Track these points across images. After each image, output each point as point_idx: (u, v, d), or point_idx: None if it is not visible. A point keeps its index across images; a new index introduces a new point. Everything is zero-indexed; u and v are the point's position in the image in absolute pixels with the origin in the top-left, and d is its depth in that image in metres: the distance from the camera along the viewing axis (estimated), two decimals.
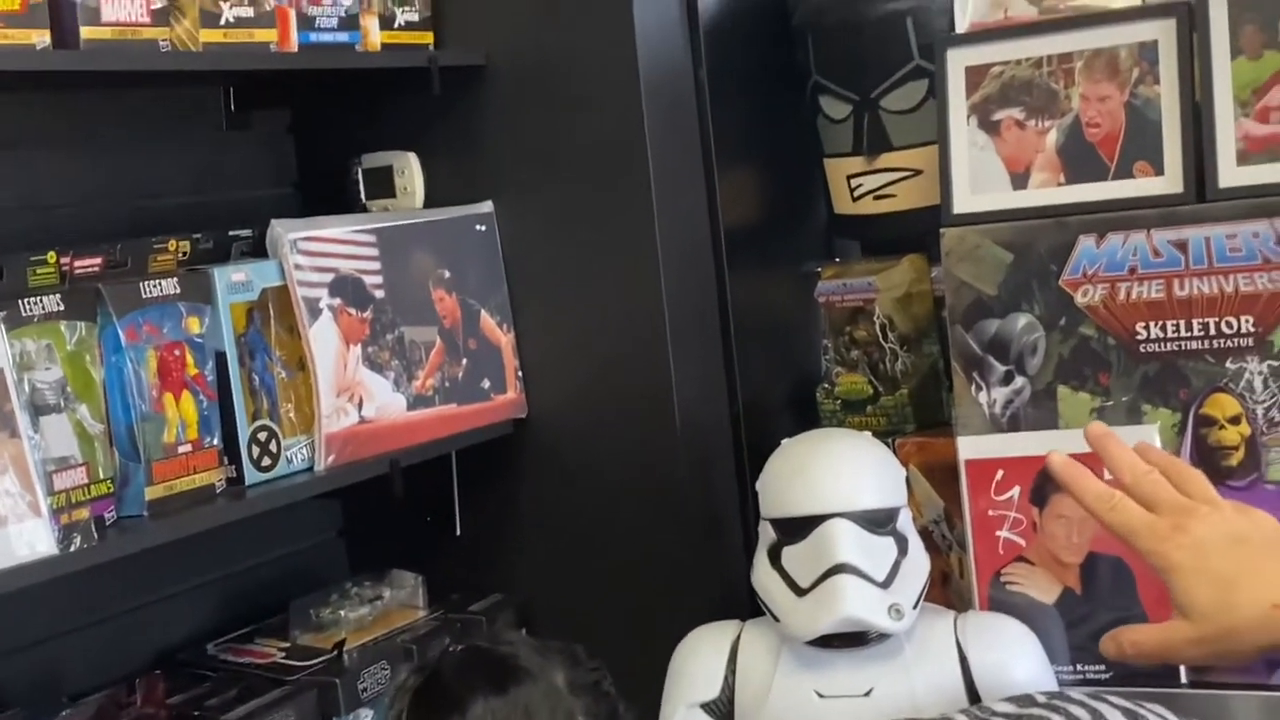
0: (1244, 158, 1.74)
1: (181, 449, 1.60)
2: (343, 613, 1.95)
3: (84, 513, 1.48)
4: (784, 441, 1.78)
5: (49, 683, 1.74)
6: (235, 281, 1.70)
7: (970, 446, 1.83)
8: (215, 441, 1.65)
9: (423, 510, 2.05)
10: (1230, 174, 1.73)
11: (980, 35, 1.89)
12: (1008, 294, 1.83)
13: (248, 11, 1.71)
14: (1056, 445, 1.76)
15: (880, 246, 2.20)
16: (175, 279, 1.65)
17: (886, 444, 1.84)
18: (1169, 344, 1.76)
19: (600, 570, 1.96)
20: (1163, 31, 1.78)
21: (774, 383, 2.16)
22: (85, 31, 1.51)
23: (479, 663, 1.19)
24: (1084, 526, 1.77)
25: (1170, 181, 1.77)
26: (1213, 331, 1.74)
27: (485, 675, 1.15)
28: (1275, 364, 1.71)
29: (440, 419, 1.90)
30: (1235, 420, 1.73)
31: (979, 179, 1.87)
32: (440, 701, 1.14)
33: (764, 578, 1.71)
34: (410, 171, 2.03)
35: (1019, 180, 1.85)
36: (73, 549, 1.45)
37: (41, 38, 1.47)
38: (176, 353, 1.62)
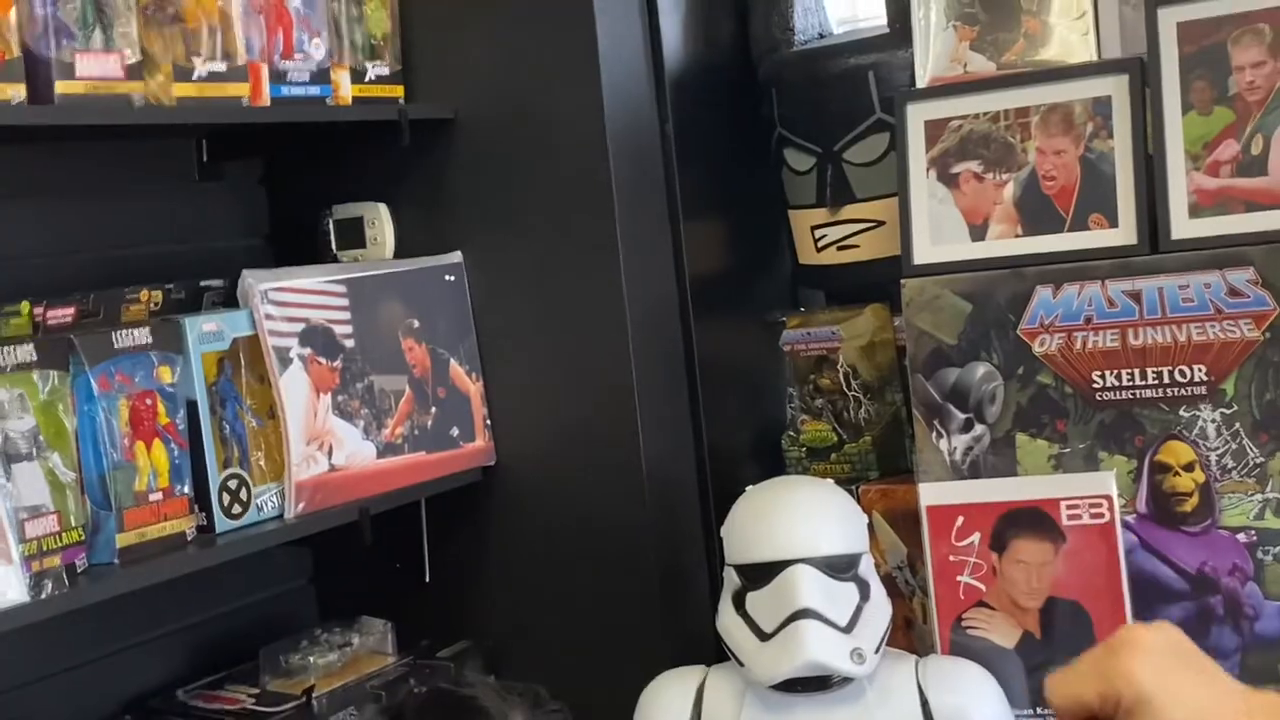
0: (1195, 210, 1.76)
1: (153, 497, 1.60)
2: (312, 659, 1.93)
3: (55, 560, 1.48)
4: (748, 489, 1.79)
5: None
6: (207, 331, 1.70)
7: (931, 493, 1.84)
8: (186, 489, 1.65)
9: (393, 557, 2.04)
10: (1182, 226, 1.76)
11: (939, 90, 1.92)
12: (967, 343, 1.85)
13: (220, 66, 1.72)
14: (1014, 492, 1.82)
15: (844, 296, 2.21)
16: (147, 329, 1.65)
17: (850, 491, 1.85)
18: (1124, 392, 1.78)
19: (567, 616, 1.96)
20: (1116, 87, 1.81)
21: (740, 430, 2.17)
22: (60, 86, 1.52)
23: (441, 705, 1.19)
24: (1042, 572, 1.79)
25: (1124, 233, 1.79)
26: (1166, 380, 1.75)
27: (446, 717, 1.14)
28: (1227, 412, 1.73)
29: (409, 467, 1.90)
30: (1189, 467, 1.75)
31: (939, 230, 1.89)
32: None
33: (728, 623, 1.71)
34: (380, 222, 2.03)
35: (977, 232, 1.88)
36: (44, 596, 1.45)
37: (16, 92, 1.47)
38: (148, 401, 1.62)
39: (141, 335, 1.64)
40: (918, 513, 1.86)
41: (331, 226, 2.06)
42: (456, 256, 2.02)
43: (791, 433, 2.18)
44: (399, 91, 2.00)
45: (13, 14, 1.48)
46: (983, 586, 1.82)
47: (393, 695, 1.80)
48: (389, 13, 1.99)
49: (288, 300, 1.78)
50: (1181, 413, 1.75)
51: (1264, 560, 1.72)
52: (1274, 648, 1.72)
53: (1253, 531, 1.73)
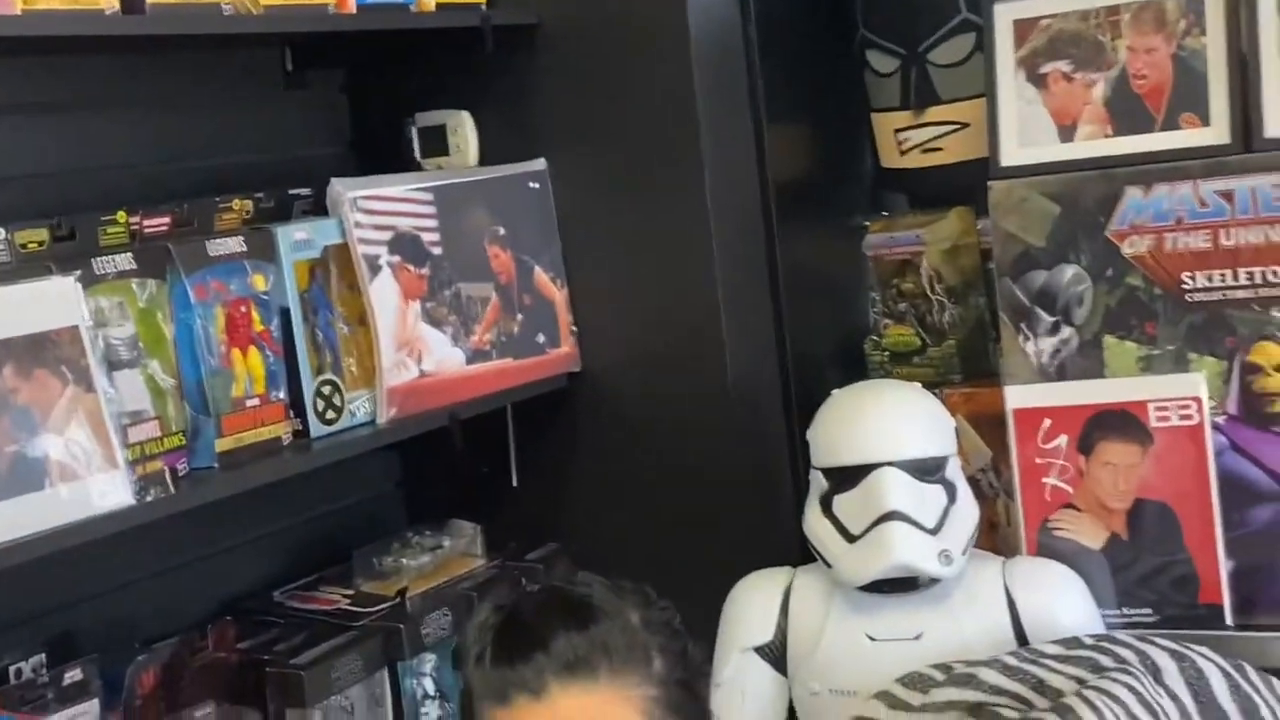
0: None
1: (249, 403, 1.63)
2: (404, 561, 1.96)
3: (158, 464, 1.51)
4: (834, 392, 1.80)
5: (123, 629, 1.75)
6: (298, 240, 1.72)
7: (1018, 396, 1.85)
8: (282, 395, 1.67)
9: (480, 461, 2.05)
10: (1277, 124, 1.73)
11: None
12: (1055, 245, 1.84)
13: None
14: (1102, 395, 1.82)
15: (927, 200, 2.20)
16: (240, 237, 1.67)
17: (934, 395, 1.85)
18: (1215, 293, 1.77)
19: (653, 520, 1.97)
20: None
21: (823, 335, 2.15)
22: None
23: (557, 601, 1.20)
24: (1130, 474, 1.80)
25: (1217, 132, 1.78)
26: (1259, 280, 1.74)
27: (564, 613, 1.16)
28: None
29: (497, 372, 1.91)
30: None
31: (1026, 132, 1.88)
32: (522, 638, 1.14)
33: (815, 525, 1.74)
34: (464, 130, 2.02)
35: (1066, 133, 1.86)
36: (148, 499, 1.48)
37: (110, 3, 1.49)
38: (243, 309, 1.64)
39: (235, 244, 1.66)
40: (1003, 416, 1.87)
41: (415, 134, 2.06)
42: (540, 164, 2.02)
43: (875, 337, 2.18)
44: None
45: None
46: (1069, 489, 1.83)
47: (485, 598, 1.82)
48: None
49: (376, 208, 1.79)
50: (1274, 313, 1.74)
51: None
52: None
53: None
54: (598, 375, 2.04)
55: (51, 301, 1.44)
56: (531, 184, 2.00)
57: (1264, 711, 1.58)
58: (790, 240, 2.07)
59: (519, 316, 1.95)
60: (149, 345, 1.55)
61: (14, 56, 1.65)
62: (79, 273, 1.48)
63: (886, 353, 2.17)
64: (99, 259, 1.53)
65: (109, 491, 1.43)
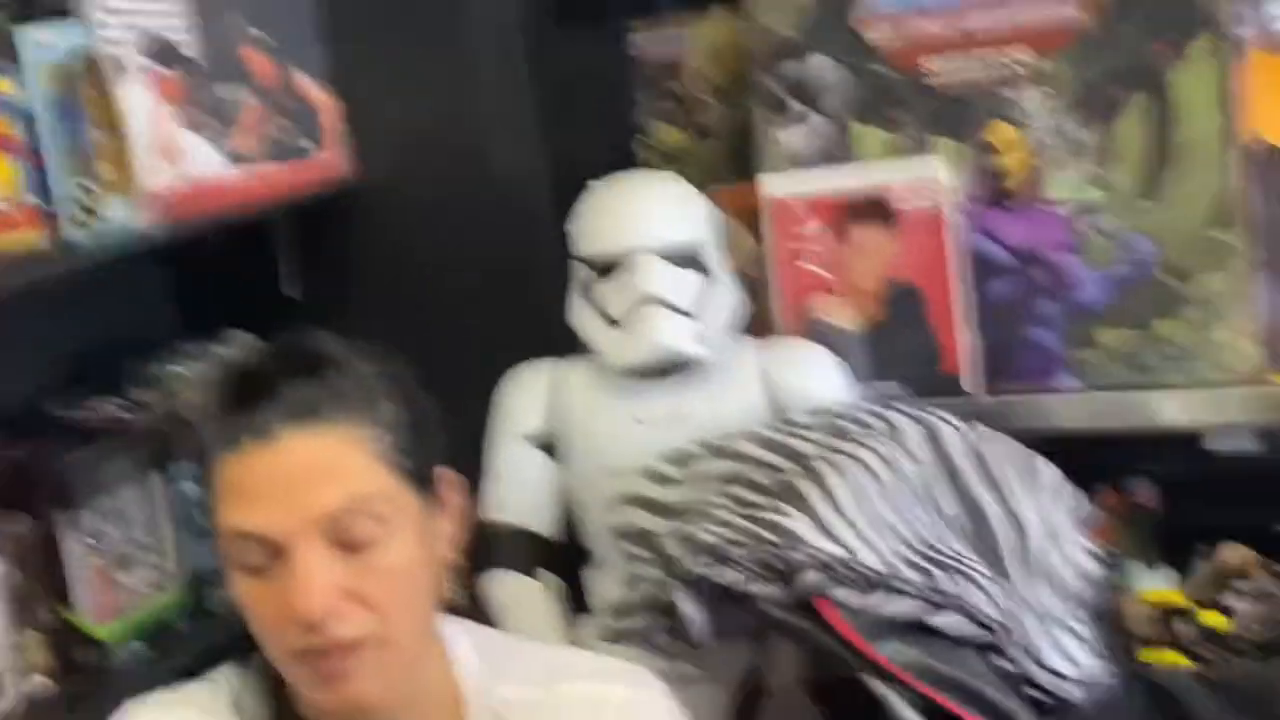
0: None
1: (4, 206, 1.58)
2: (178, 369, 1.95)
3: None
4: (592, 184, 1.82)
5: None
6: (42, 42, 1.66)
7: (773, 185, 1.89)
8: (34, 200, 1.63)
9: (257, 274, 2.05)
10: None
11: None
12: (805, 35, 1.87)
13: None
14: (851, 181, 1.86)
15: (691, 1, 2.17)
16: None
17: (705, 191, 1.86)
18: (953, 77, 1.82)
19: (430, 323, 1.97)
20: None
21: (593, 137, 2.15)
22: None
23: (287, 353, 1.17)
24: (880, 257, 1.85)
25: None
26: (991, 63, 1.79)
27: (293, 363, 1.13)
28: (1050, 90, 1.78)
29: (262, 179, 1.88)
30: (1014, 147, 1.80)
31: None
32: (251, 386, 1.11)
33: (579, 313, 1.78)
34: None
35: None
36: None
37: None
38: None
39: None
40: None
41: None
42: None
43: (643, 138, 2.19)
44: None
45: None
46: (826, 274, 1.88)
47: None
48: None
49: (123, 7, 1.73)
50: (1005, 93, 1.80)
51: (1084, 232, 1.79)
52: (1092, 316, 1.81)
53: (1072, 206, 1.80)
54: (373, 184, 2.03)
55: None
56: None
57: (990, 461, 1.66)
58: (556, 44, 2.07)
59: (282, 121, 1.92)
60: None
61: None
62: None
63: (656, 152, 2.17)
64: None
65: None
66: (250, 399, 1.09)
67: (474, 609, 1.70)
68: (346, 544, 1.08)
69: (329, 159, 1.98)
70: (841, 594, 1.50)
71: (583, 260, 1.78)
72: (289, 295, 2.06)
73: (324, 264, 2.06)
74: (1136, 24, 1.74)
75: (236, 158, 1.86)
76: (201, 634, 1.82)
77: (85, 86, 1.71)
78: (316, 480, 1.08)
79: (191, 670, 1.24)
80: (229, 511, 1.09)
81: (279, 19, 1.93)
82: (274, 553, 1.07)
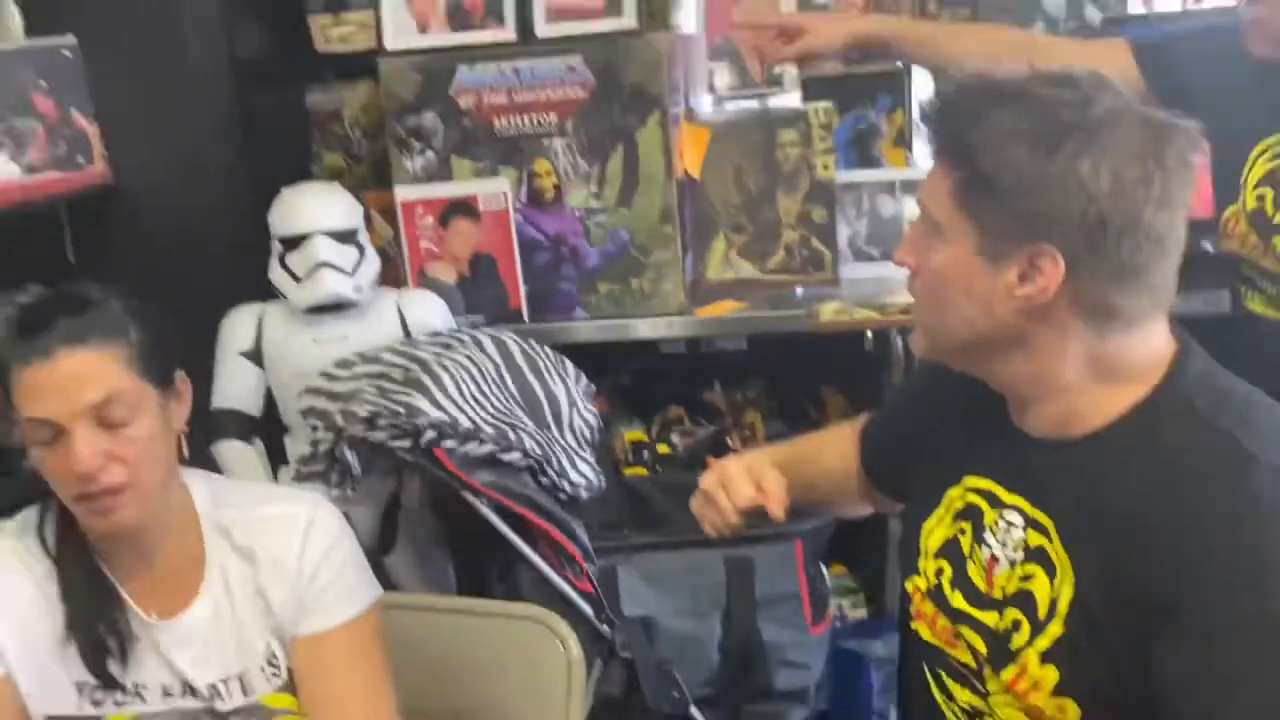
0: (551, 17, 1.83)
1: None
2: None
3: None
4: (283, 190, 1.79)
5: None
6: None
7: (403, 193, 1.91)
8: None
9: (49, 248, 1.87)
10: (543, 29, 1.84)
11: None
12: (420, 99, 1.88)
13: None
14: (452, 191, 1.87)
15: (348, 72, 2.10)
16: None
17: (359, 197, 1.84)
18: (511, 129, 1.87)
19: (169, 284, 1.69)
20: None
21: (282, 158, 2.08)
22: None
23: (63, 296, 1.10)
24: (469, 239, 1.89)
25: (509, 32, 1.85)
26: (534, 124, 1.85)
27: (66, 302, 1.07)
28: (568, 141, 1.85)
29: (48, 181, 1.75)
30: (548, 174, 1.86)
31: (400, 29, 1.88)
32: (36, 318, 1.05)
33: (276, 274, 1.75)
34: (8, 13, 1.79)
35: (423, 29, 1.88)
36: None
37: None
38: None
39: None
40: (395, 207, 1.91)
41: None
42: (71, 39, 1.80)
43: (315, 165, 2.14)
44: None
45: None
46: (436, 249, 1.91)
47: None
48: None
49: None
50: (544, 142, 1.86)
51: (588, 226, 1.88)
52: (594, 275, 1.89)
53: (581, 210, 1.89)
54: (129, 185, 1.88)
55: None
56: (65, 53, 1.80)
57: (540, 363, 1.74)
58: (255, 97, 1.99)
59: (62, 144, 1.78)
60: None
61: None
62: None
63: (326, 171, 2.12)
64: None
65: None
66: (35, 328, 1.04)
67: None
68: (107, 423, 1.04)
69: (96, 170, 1.85)
70: (449, 444, 1.54)
71: (278, 239, 1.75)
72: (70, 261, 1.90)
73: (94, 239, 1.91)
74: (618, 104, 1.83)
75: (30, 168, 1.73)
76: (11, 489, 1.70)
77: None
78: (83, 383, 1.03)
79: (3, 514, 1.19)
80: (25, 405, 1.04)
81: (57, 73, 1.79)
82: (58, 432, 1.03)
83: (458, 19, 1.87)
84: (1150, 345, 0.88)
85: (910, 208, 1.93)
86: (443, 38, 1.87)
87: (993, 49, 1.33)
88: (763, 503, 1.06)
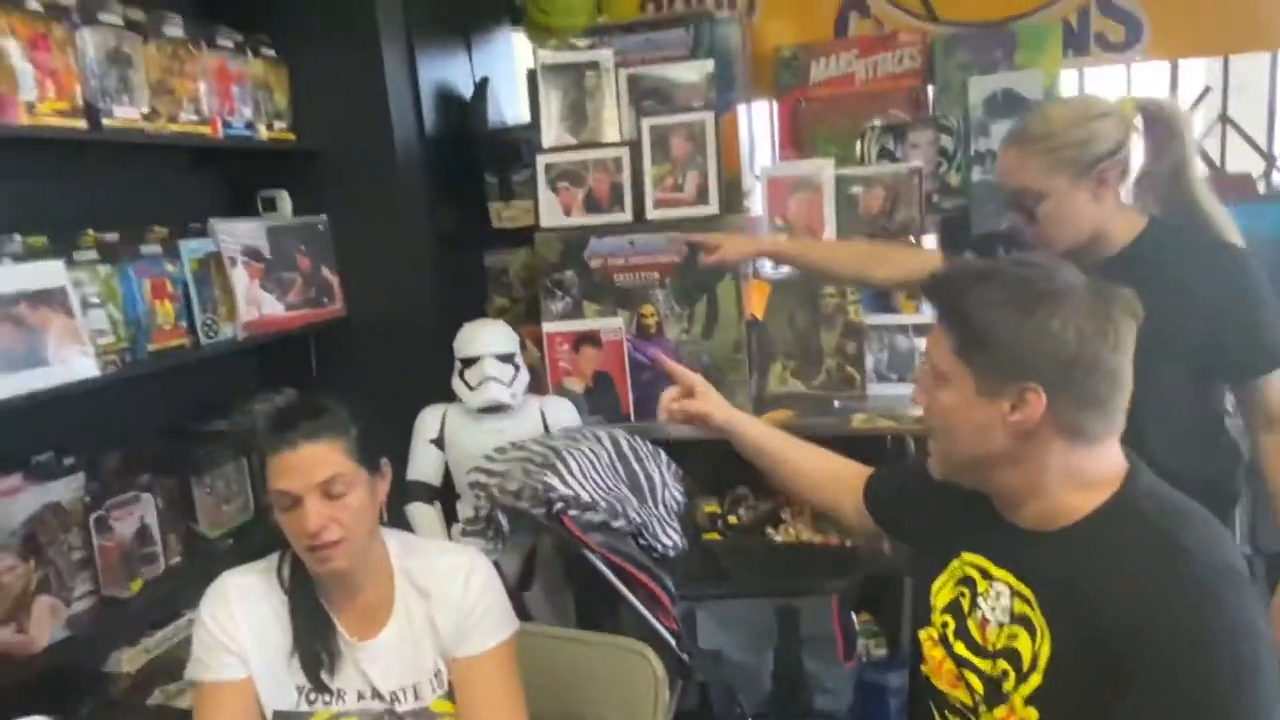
0: (658, 205, 1.84)
1: (165, 327, 1.51)
2: (258, 407, 1.80)
3: (112, 356, 1.40)
4: (465, 325, 1.80)
5: (99, 438, 1.53)
6: (192, 248, 1.59)
7: (549, 327, 1.90)
8: (184, 324, 1.55)
9: (298, 361, 1.92)
10: (651, 213, 1.85)
11: (556, 149, 1.88)
12: (563, 261, 1.89)
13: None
14: (582, 326, 1.86)
15: (514, 242, 2.12)
16: (158, 245, 1.54)
17: (516, 329, 1.84)
18: (629, 283, 1.86)
19: (383, 388, 1.86)
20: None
21: (466, 302, 2.09)
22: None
23: (304, 403, 1.09)
24: (593, 360, 1.87)
25: (627, 215, 1.86)
26: (642, 279, 1.85)
27: (308, 407, 1.07)
28: (668, 293, 1.84)
29: (302, 315, 1.81)
30: (652, 315, 1.86)
31: (551, 214, 1.89)
32: (286, 419, 1.06)
33: (456, 384, 1.75)
34: (284, 200, 1.89)
35: (568, 212, 1.88)
36: (106, 372, 1.36)
37: (81, 124, 1.33)
38: (161, 281, 1.51)
39: (155, 249, 1.53)
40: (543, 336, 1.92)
41: (260, 200, 1.88)
42: (323, 218, 1.89)
43: (488, 303, 2.13)
44: (292, 135, 1.85)
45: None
46: (569, 367, 1.90)
47: None
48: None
49: (236, 234, 1.68)
50: (649, 292, 1.85)
51: (681, 352, 1.84)
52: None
53: (675, 342, 1.85)
54: (358, 318, 1.93)
55: (47, 273, 1.30)
56: (319, 226, 1.89)
57: (642, 453, 1.68)
58: (449, 258, 2.03)
59: (313, 288, 1.85)
60: (107, 296, 1.41)
61: (29, 148, 1.43)
62: (64, 259, 1.34)
63: (494, 308, 2.15)
64: (77, 250, 1.39)
65: (82, 368, 1.31)
66: (286, 426, 1.05)
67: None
68: (330, 496, 1.04)
69: (335, 306, 1.90)
70: (573, 513, 1.49)
71: (459, 358, 1.75)
72: (314, 371, 1.95)
73: (331, 356, 1.95)
74: (702, 266, 1.78)
75: (290, 305, 1.78)
76: (261, 536, 1.72)
77: (213, 268, 1.64)
78: (316, 467, 1.04)
79: (256, 554, 1.18)
80: (274, 480, 1.05)
81: (313, 239, 1.87)
82: (295, 501, 1.04)
83: (591, 205, 1.89)
84: (1109, 460, 0.87)
85: (920, 344, 1.87)
86: (580, 219, 1.89)
87: (853, 255, 1.39)
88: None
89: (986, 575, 0.90)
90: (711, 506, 1.96)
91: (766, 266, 1.97)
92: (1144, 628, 0.77)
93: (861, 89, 2.02)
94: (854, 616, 1.71)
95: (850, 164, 1.92)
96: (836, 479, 1.16)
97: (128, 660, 1.38)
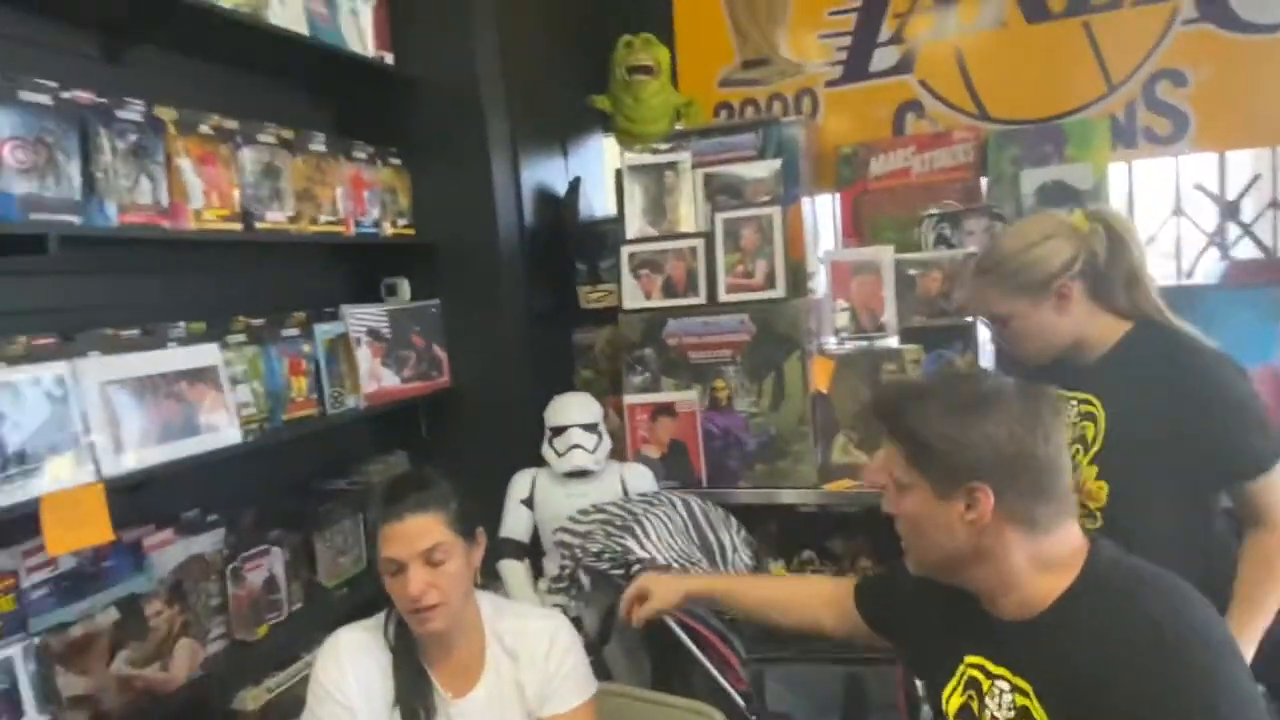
0: (730, 289, 1.82)
1: (298, 398, 1.55)
2: (373, 469, 1.87)
3: (254, 425, 1.44)
4: (555, 397, 1.80)
5: (240, 497, 1.57)
6: (325, 330, 1.65)
7: (629, 399, 1.87)
8: (314, 395, 1.59)
9: (409, 426, 1.95)
10: (723, 295, 1.82)
11: (638, 240, 1.88)
12: (643, 339, 1.87)
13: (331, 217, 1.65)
14: (660, 399, 1.84)
15: (599, 320, 2.12)
16: (296, 328, 1.59)
17: (601, 400, 1.83)
18: (701, 359, 1.83)
19: (483, 453, 1.85)
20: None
21: (557, 374, 2.11)
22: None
23: (412, 475, 1.12)
24: (669, 429, 1.84)
25: (702, 298, 1.84)
26: (715, 356, 1.81)
27: (415, 480, 1.09)
28: (739, 367, 1.79)
29: (415, 387, 1.84)
30: (723, 388, 1.82)
31: (633, 297, 1.89)
32: (395, 492, 1.07)
33: (546, 450, 1.75)
34: (403, 287, 1.94)
35: (648, 295, 1.89)
36: (249, 439, 1.40)
37: (238, 226, 1.41)
38: (297, 359, 1.57)
39: (294, 331, 1.58)
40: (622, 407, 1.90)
41: (383, 288, 1.95)
42: (436, 302, 1.93)
43: (575, 375, 2.14)
44: (412, 231, 1.90)
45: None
46: (647, 436, 1.87)
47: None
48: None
49: (362, 317, 1.73)
50: (721, 368, 1.81)
51: (750, 424, 1.80)
52: (753, 456, 1.78)
53: (744, 414, 1.80)
54: (462, 389, 1.94)
55: (203, 354, 1.36)
56: (432, 309, 1.93)
57: (714, 518, 1.64)
58: (542, 335, 2.05)
59: (424, 363, 1.88)
60: (252, 373, 1.47)
61: (194, 248, 1.51)
62: (218, 342, 1.40)
63: (580, 380, 2.14)
64: (229, 334, 1.46)
65: (229, 436, 1.36)
66: (396, 499, 1.06)
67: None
68: (431, 563, 1.05)
69: (443, 379, 1.93)
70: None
71: (549, 427, 1.75)
72: (424, 436, 1.97)
73: (439, 422, 1.96)
74: (771, 344, 1.77)
75: (405, 378, 1.81)
76: (371, 586, 1.72)
77: (341, 347, 1.68)
78: (420, 537, 1.04)
79: (367, 602, 1.18)
80: (383, 548, 1.06)
81: (427, 321, 1.91)
82: (400, 567, 1.04)
83: (669, 289, 1.88)
84: (1069, 541, 0.87)
85: None
86: (659, 302, 1.88)
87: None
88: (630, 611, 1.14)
89: (988, 674, 0.89)
90: (779, 570, 1.88)
91: (830, 342, 1.92)
92: (1127, 705, 0.76)
93: (918, 181, 1.99)
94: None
95: (908, 249, 1.86)
96: (811, 596, 1.16)
97: (252, 698, 1.39)
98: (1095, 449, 1.11)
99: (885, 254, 1.85)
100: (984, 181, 1.96)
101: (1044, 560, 0.86)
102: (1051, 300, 1.14)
